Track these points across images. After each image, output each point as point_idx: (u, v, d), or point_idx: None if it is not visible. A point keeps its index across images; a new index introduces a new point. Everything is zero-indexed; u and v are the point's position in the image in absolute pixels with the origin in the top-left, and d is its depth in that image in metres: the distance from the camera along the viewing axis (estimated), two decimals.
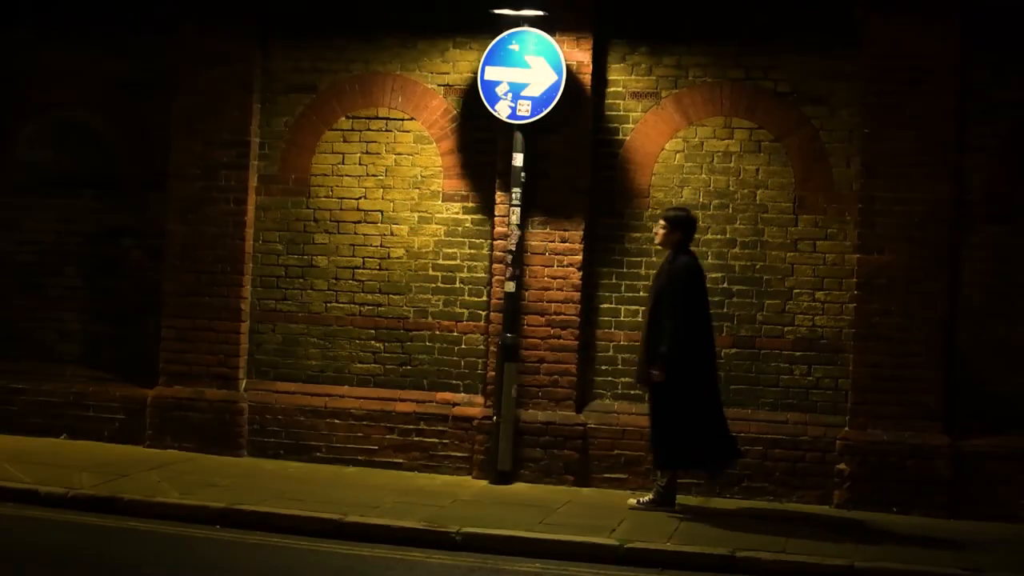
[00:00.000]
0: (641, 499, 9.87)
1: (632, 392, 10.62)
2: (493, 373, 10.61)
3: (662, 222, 9.86)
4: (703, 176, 10.64)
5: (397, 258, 11.13)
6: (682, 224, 9.80)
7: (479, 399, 10.87)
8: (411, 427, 10.93)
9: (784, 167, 10.51)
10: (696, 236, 10.52)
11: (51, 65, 11.84)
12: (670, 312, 9.51)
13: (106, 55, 11.69)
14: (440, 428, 10.88)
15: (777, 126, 10.52)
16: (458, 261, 11.00)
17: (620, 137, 10.75)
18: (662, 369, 9.50)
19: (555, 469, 10.56)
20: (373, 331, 11.15)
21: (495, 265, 10.75)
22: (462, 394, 10.97)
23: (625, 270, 10.72)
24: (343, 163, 11.27)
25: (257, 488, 9.80)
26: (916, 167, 10.08)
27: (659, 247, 10.06)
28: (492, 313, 10.73)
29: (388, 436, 10.97)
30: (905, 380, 10.05)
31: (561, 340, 10.63)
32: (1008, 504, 9.87)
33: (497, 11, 10.61)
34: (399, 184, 11.16)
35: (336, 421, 11.08)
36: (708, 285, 10.48)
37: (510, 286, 10.58)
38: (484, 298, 10.86)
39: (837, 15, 10.32)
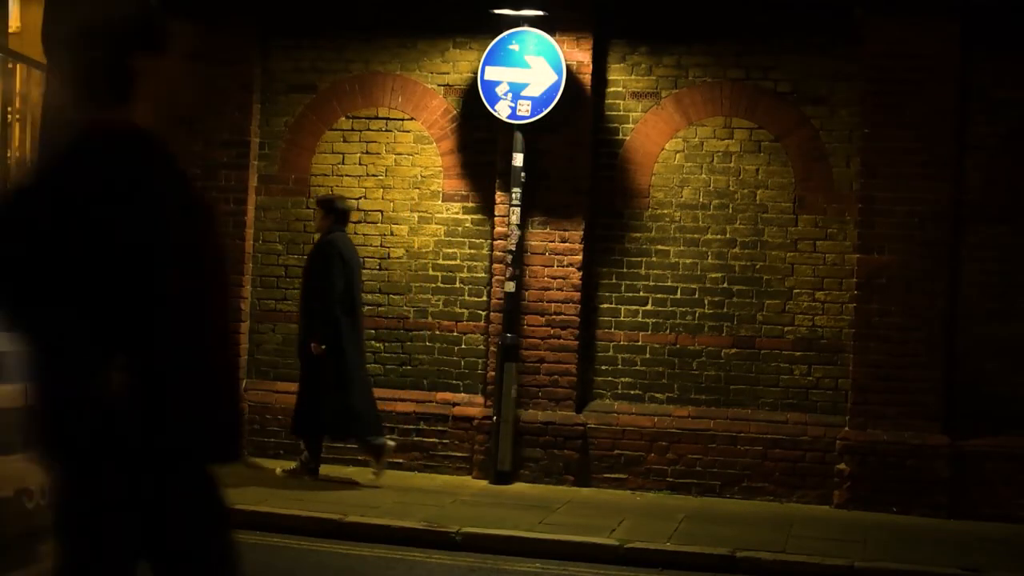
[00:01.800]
0: (286, 468, 10.30)
1: (632, 392, 10.63)
2: (493, 373, 10.61)
3: (317, 207, 10.45)
4: (703, 176, 10.64)
5: (397, 258, 11.13)
6: (330, 208, 10.27)
7: (479, 399, 10.86)
8: (411, 427, 10.92)
9: (784, 167, 10.51)
10: (696, 236, 10.55)
11: None
12: (318, 290, 10.01)
13: None
14: (440, 428, 10.88)
15: (777, 126, 10.52)
16: (458, 261, 11.00)
17: (620, 137, 10.75)
18: (319, 343, 9.90)
19: (555, 469, 10.56)
20: (373, 331, 11.14)
21: (495, 265, 10.75)
22: (462, 394, 10.97)
23: (625, 270, 10.72)
24: (343, 163, 11.27)
25: (257, 488, 9.79)
26: (916, 167, 10.07)
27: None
28: (492, 313, 10.72)
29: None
30: (905, 380, 10.05)
31: (561, 340, 10.62)
32: (1007, 504, 9.86)
33: (497, 11, 10.60)
34: (399, 184, 11.16)
35: None
36: (707, 285, 10.51)
37: (510, 286, 10.57)
38: (484, 298, 10.86)
39: (837, 15, 10.31)
